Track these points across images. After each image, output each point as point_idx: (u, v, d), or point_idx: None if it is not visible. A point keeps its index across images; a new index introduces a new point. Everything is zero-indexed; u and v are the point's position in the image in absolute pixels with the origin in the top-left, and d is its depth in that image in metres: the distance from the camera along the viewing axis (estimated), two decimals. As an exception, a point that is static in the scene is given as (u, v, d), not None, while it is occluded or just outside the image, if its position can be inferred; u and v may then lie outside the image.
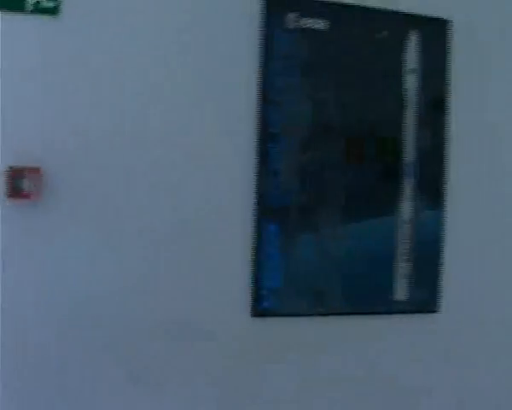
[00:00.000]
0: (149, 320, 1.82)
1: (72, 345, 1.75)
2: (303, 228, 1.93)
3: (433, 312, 2.11)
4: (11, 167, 1.65)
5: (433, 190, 2.07)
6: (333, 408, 2.02)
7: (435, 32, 2.07)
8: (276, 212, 1.90)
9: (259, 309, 1.90)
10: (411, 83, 2.06)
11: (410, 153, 2.05)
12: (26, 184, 1.66)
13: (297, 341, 1.96)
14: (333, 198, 1.96)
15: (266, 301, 1.91)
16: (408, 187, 2.04)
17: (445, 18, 2.08)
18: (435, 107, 2.08)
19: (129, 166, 1.80)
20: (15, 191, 1.65)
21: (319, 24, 1.95)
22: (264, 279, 1.90)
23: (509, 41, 2.20)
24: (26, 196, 1.67)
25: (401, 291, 2.05)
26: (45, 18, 1.71)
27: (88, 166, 1.77)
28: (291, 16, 1.92)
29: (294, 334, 1.96)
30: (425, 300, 2.08)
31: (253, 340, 1.93)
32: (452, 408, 2.17)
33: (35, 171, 1.68)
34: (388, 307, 2.04)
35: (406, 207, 2.04)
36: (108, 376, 1.79)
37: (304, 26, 1.94)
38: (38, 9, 1.71)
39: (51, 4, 1.72)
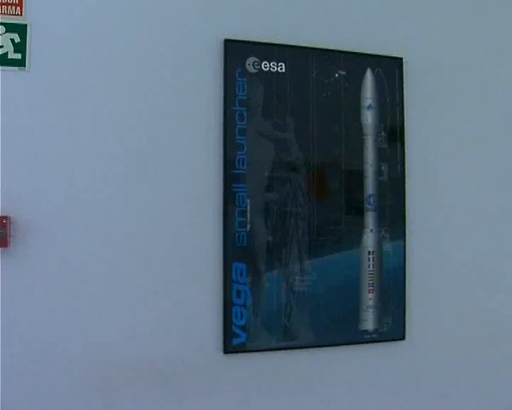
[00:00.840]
0: (120, 361, 1.84)
1: (36, 388, 1.76)
2: (270, 265, 1.98)
3: (400, 339, 2.16)
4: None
5: (394, 222, 2.14)
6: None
7: (390, 69, 2.16)
8: (243, 250, 1.95)
9: (231, 346, 1.94)
10: (369, 118, 2.13)
11: (370, 186, 2.12)
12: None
13: (268, 375, 2.01)
14: (298, 234, 2.02)
15: (237, 337, 1.95)
16: (370, 219, 2.11)
17: (398, 56, 2.17)
18: (392, 140, 2.16)
19: (94, 214, 1.84)
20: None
21: (278, 67, 2.02)
22: (234, 316, 1.94)
23: (458, 76, 2.29)
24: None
25: (367, 321, 2.10)
26: (13, 70, 1.75)
27: (56, 215, 1.79)
28: (251, 60, 1.99)
29: (266, 369, 2.00)
30: (391, 328, 2.14)
31: (226, 376, 1.97)
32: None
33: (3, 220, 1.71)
34: (356, 338, 2.09)
35: (369, 240, 2.11)
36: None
37: (264, 69, 2.00)
38: (5, 61, 1.75)
39: (18, 56, 1.75)
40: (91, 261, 1.83)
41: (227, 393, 1.96)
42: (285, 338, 2.00)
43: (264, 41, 2.00)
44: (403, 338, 2.16)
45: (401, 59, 2.18)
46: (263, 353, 1.99)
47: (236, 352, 1.96)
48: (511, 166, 2.38)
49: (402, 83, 2.18)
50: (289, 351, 2.02)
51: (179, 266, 1.92)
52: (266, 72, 2.00)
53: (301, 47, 2.05)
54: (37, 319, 1.78)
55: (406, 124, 2.18)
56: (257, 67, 2.00)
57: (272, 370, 2.02)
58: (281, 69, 2.02)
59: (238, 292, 1.95)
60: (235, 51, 1.97)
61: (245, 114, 1.97)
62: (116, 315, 1.85)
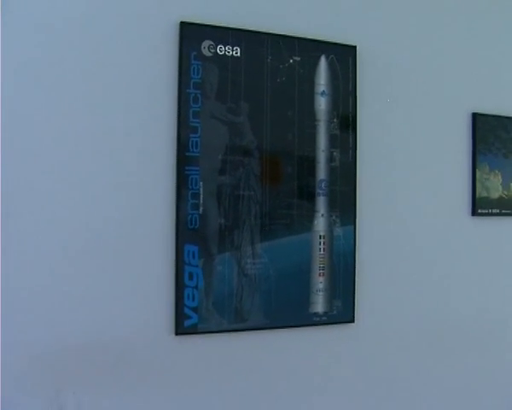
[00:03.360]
0: (68, 342, 1.83)
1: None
2: (222, 248, 2.00)
3: (349, 322, 2.21)
4: None
5: (345, 207, 2.18)
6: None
7: (343, 56, 2.19)
8: (195, 232, 1.96)
9: (182, 328, 1.95)
10: (322, 104, 2.16)
11: (322, 171, 2.15)
12: None
13: (220, 357, 2.03)
14: (250, 217, 2.04)
15: (189, 319, 1.96)
16: (321, 204, 2.15)
17: (352, 44, 2.21)
18: (345, 126, 2.20)
19: (47, 197, 1.82)
20: None
21: (233, 51, 2.03)
22: (185, 298, 1.95)
23: (410, 64, 2.35)
24: None
25: (318, 304, 2.14)
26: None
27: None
28: (206, 43, 1.99)
29: (217, 350, 2.02)
30: (341, 311, 2.18)
31: (178, 358, 1.98)
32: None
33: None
34: (306, 320, 2.13)
35: (320, 224, 2.14)
36: (24, 401, 1.79)
37: (219, 53, 2.01)
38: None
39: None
40: (44, 243, 1.81)
41: (178, 373, 1.98)
42: (236, 320, 2.03)
43: (220, 25, 2.01)
44: (352, 321, 2.21)
45: (355, 47, 2.21)
46: (214, 334, 2.01)
47: (188, 333, 1.97)
48: (461, 153, 2.45)
49: (355, 70, 2.21)
50: (240, 333, 2.04)
51: (131, 247, 1.91)
52: (221, 55, 2.01)
53: (257, 32, 2.06)
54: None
55: (358, 111, 2.22)
56: (212, 50, 2.00)
57: (223, 351, 2.04)
58: (236, 53, 2.03)
59: (190, 274, 1.96)
60: (191, 34, 1.97)
61: (199, 97, 1.98)
62: (66, 297, 1.83)
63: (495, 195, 2.53)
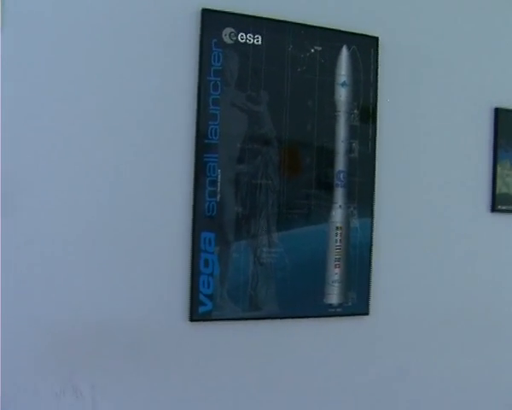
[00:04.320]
0: (84, 326, 1.85)
1: None
2: (238, 236, 2.00)
3: (364, 314, 2.20)
4: None
5: (362, 198, 2.17)
6: None
7: (365, 47, 2.17)
8: (212, 220, 1.97)
9: (197, 314, 1.96)
10: (343, 95, 2.15)
11: (341, 162, 2.14)
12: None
13: (233, 345, 2.04)
14: (268, 206, 2.04)
15: (203, 306, 1.97)
16: (339, 195, 2.14)
17: (374, 35, 2.19)
18: (365, 118, 2.18)
19: (63, 182, 1.83)
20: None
21: (255, 39, 2.02)
22: (200, 285, 1.96)
23: (432, 57, 2.32)
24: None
25: (333, 295, 2.14)
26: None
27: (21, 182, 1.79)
28: (227, 31, 1.99)
29: (231, 338, 2.03)
30: (355, 303, 2.18)
31: (191, 344, 1.99)
32: (386, 404, 2.27)
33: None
34: (320, 311, 2.13)
35: (338, 215, 2.13)
36: (39, 381, 1.81)
37: (240, 41, 2.01)
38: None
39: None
40: (61, 227, 1.83)
41: (191, 359, 1.99)
42: (250, 309, 2.03)
43: (242, 12, 2.00)
44: (367, 313, 2.21)
45: (377, 38, 2.19)
46: (228, 322, 2.02)
47: (202, 320, 1.98)
48: (482, 149, 2.43)
49: (377, 62, 2.20)
50: (254, 321, 2.05)
51: (148, 232, 1.92)
52: (242, 43, 2.01)
53: (278, 20, 2.05)
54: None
55: (379, 103, 2.21)
56: (233, 38, 2.00)
57: (237, 339, 2.04)
58: (257, 41, 2.03)
59: (206, 261, 1.96)
60: (212, 21, 1.96)
61: (219, 85, 1.98)
62: (83, 281, 1.85)
63: (515, 191, 2.50)
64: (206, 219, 1.96)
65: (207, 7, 1.95)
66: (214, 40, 1.97)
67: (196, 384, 1.99)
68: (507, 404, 2.51)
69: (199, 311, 1.96)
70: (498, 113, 2.44)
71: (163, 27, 1.93)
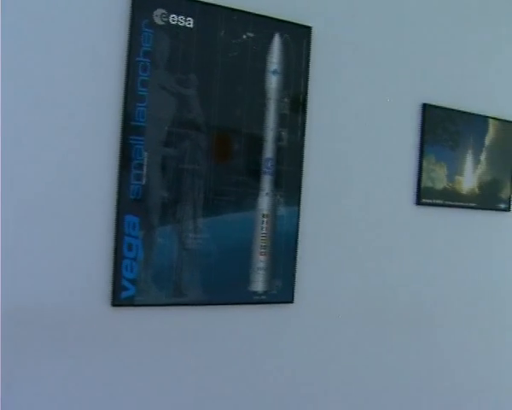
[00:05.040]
0: (3, 305, 1.79)
1: None
2: (164, 221, 1.98)
3: (288, 302, 2.22)
4: None
5: (290, 187, 2.18)
6: (191, 399, 2.09)
7: (298, 36, 2.18)
8: (137, 203, 1.93)
9: (119, 299, 1.93)
10: (274, 83, 2.15)
11: (270, 150, 2.14)
12: None
13: (156, 330, 2.01)
14: (194, 192, 2.02)
15: (126, 290, 1.94)
16: (267, 183, 2.14)
17: (307, 25, 2.20)
18: (295, 107, 2.19)
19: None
20: None
21: (186, 21, 1.99)
22: (123, 269, 1.93)
23: (364, 50, 2.36)
24: None
25: (258, 283, 2.14)
26: None
27: None
28: (159, 12, 1.95)
29: (154, 324, 2.01)
30: (280, 291, 2.19)
31: (113, 329, 1.96)
32: (309, 391, 2.30)
33: None
34: (245, 298, 2.13)
35: (264, 203, 2.14)
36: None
37: (171, 23, 1.97)
38: None
39: None
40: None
41: (113, 344, 1.95)
42: (175, 294, 2.01)
43: (174, -6, 1.97)
44: (291, 301, 2.22)
45: (310, 28, 2.20)
46: (151, 307, 1.99)
47: (125, 305, 1.95)
48: (409, 143, 2.48)
49: (309, 52, 2.21)
50: (178, 307, 2.03)
51: (71, 216, 1.87)
52: (174, 25, 1.98)
53: (211, 4, 2.03)
54: None
55: (309, 92, 2.22)
56: (164, 19, 1.96)
57: (160, 325, 2.02)
58: (189, 24, 2.00)
59: (129, 245, 1.93)
60: (144, 1, 1.92)
61: (148, 66, 1.94)
62: (3, 264, 1.78)
63: (439, 186, 2.57)
64: (130, 203, 1.92)
65: (138, -14, 1.91)
66: (145, 21, 1.93)
67: (117, 369, 1.96)
68: (433, 388, 2.59)
69: (121, 296, 1.93)
70: (426, 108, 2.50)
71: (93, 6, 1.88)
